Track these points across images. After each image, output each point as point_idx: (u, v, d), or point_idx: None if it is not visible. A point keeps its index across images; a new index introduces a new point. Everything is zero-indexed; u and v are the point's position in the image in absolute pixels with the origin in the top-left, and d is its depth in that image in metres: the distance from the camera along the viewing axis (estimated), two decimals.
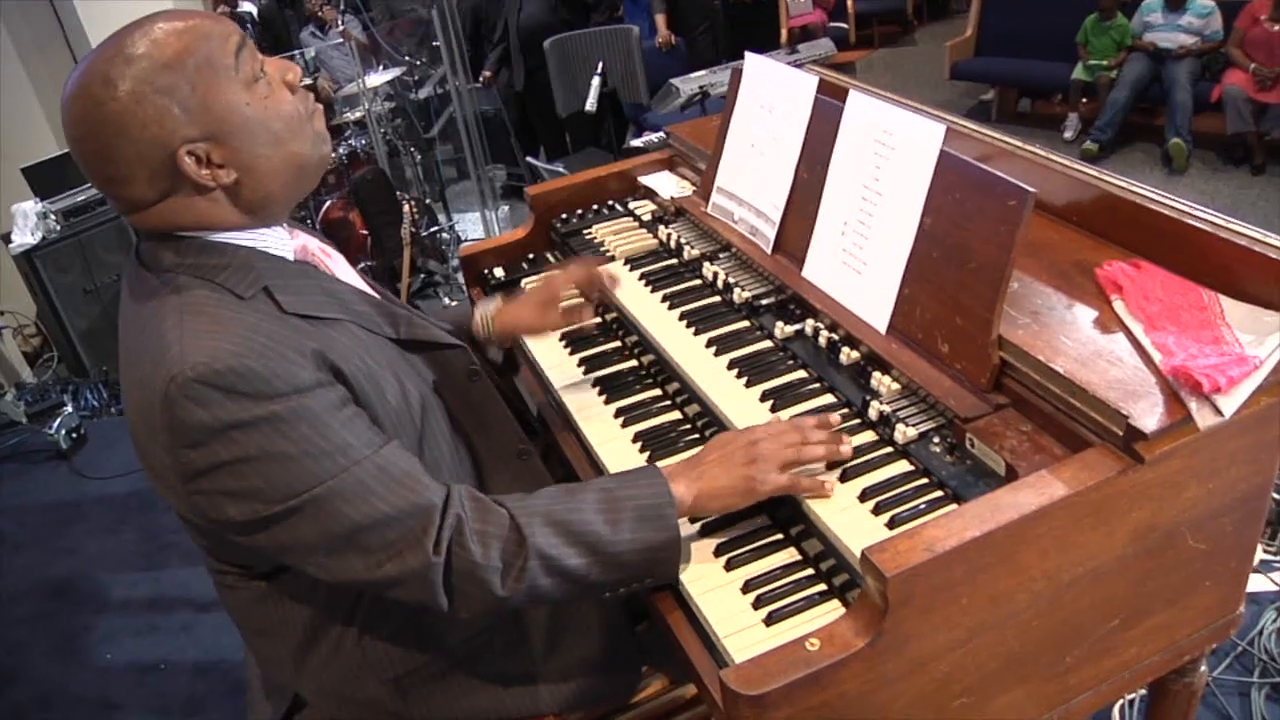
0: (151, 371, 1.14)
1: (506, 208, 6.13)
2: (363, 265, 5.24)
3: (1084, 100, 6.16)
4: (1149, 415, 1.15)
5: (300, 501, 1.16)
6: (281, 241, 1.33)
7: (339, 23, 5.66)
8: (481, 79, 6.44)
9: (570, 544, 1.23)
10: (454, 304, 5.11)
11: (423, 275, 5.47)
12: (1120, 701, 2.19)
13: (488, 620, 1.44)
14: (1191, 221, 1.38)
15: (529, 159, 6.06)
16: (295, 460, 1.15)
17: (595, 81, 5.10)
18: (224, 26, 1.22)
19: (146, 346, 1.17)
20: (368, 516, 1.18)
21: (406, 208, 5.15)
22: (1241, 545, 1.37)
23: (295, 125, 1.26)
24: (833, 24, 8.12)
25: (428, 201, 5.66)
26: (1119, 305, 1.34)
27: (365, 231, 5.31)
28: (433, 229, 5.54)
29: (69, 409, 4.29)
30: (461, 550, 1.20)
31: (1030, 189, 1.27)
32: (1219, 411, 1.16)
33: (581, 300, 1.72)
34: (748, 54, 1.89)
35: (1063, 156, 1.59)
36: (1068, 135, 6.11)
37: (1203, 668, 1.56)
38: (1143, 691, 2.06)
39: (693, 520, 1.36)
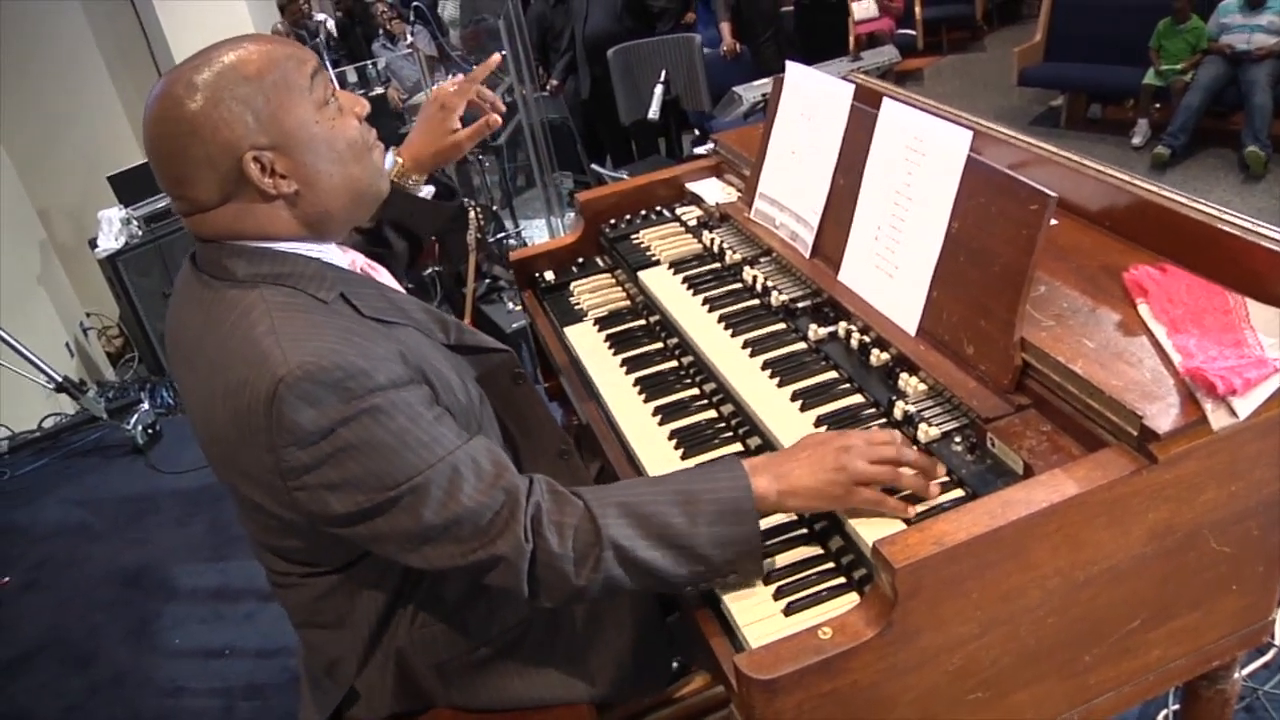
0: (250, 376, 1.18)
1: (572, 214, 6.20)
2: (430, 271, 5.37)
3: (1156, 106, 6.05)
4: (1164, 416, 1.17)
5: (399, 492, 1.21)
6: (337, 257, 1.40)
7: (407, 35, 5.81)
8: (549, 87, 6.54)
9: (645, 535, 1.24)
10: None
11: (488, 280, 5.56)
12: (1165, 711, 2.18)
13: (529, 608, 1.48)
14: (1221, 225, 1.39)
15: (595, 166, 6.14)
16: (395, 451, 1.20)
17: (658, 90, 5.16)
18: (303, 53, 1.31)
19: (237, 354, 1.21)
20: (462, 505, 1.22)
21: (472, 214, 5.26)
22: (1269, 550, 1.36)
23: (358, 150, 1.34)
24: (901, 30, 8.09)
25: (494, 208, 5.76)
26: (1143, 308, 1.35)
27: (433, 237, 5.43)
28: (499, 235, 5.64)
29: (145, 406, 4.47)
30: (540, 540, 1.24)
31: (1051, 193, 1.29)
32: (1234, 413, 1.17)
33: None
34: (789, 63, 1.93)
35: (1095, 160, 1.59)
36: (1136, 142, 6.00)
37: (1236, 674, 1.56)
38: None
39: None
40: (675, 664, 1.73)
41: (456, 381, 1.38)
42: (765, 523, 1.37)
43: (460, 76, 1.79)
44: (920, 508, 1.29)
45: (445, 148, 1.74)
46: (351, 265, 1.43)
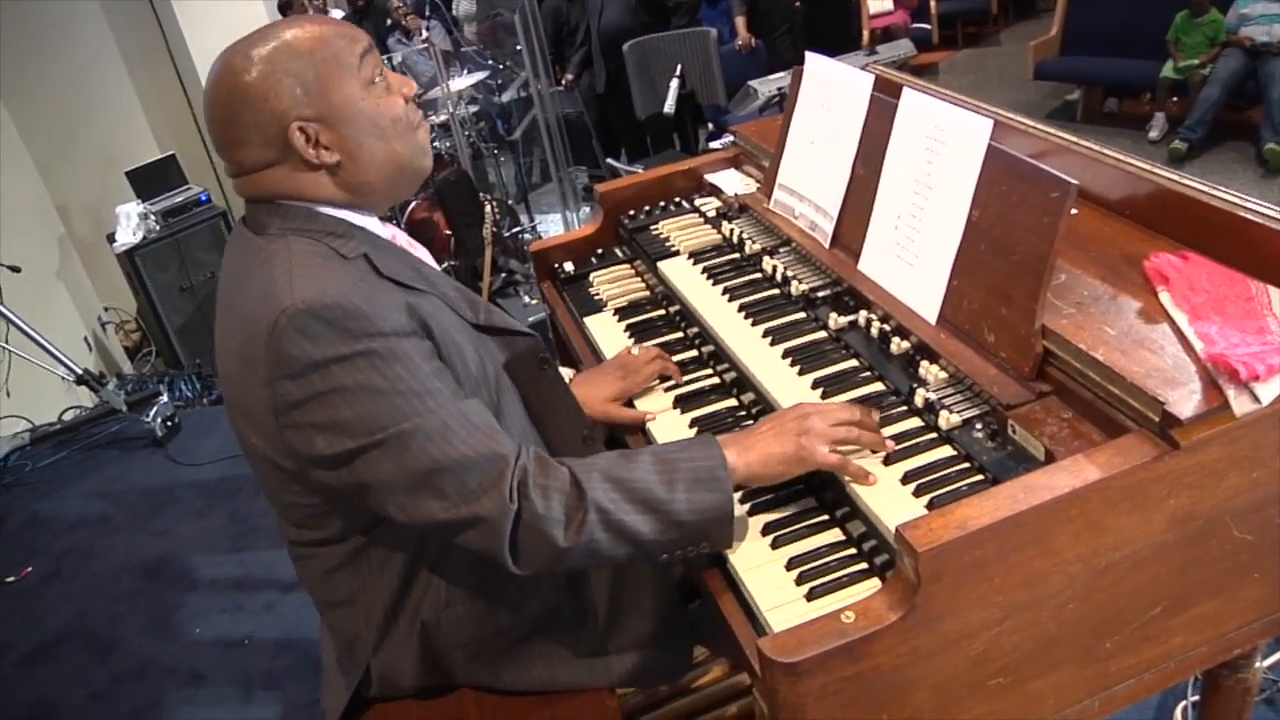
0: (259, 309, 1.25)
1: (587, 209, 6.23)
2: (446, 265, 5.38)
3: (1173, 99, 6.02)
4: (1186, 402, 1.17)
5: (386, 436, 1.24)
6: (377, 229, 1.45)
7: (423, 30, 5.82)
8: (564, 82, 6.55)
9: (628, 500, 1.28)
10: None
11: (504, 274, 5.58)
12: (1184, 703, 2.18)
13: (558, 592, 1.50)
14: (1243, 213, 1.39)
15: (610, 160, 6.16)
16: (385, 396, 1.24)
17: (674, 84, 5.16)
18: (355, 33, 1.38)
19: (253, 290, 1.29)
20: (448, 457, 1.25)
21: (488, 208, 5.28)
22: None
23: (401, 128, 1.40)
24: (916, 25, 8.07)
25: (510, 202, 5.78)
26: (1164, 296, 1.36)
27: (449, 232, 5.45)
28: (515, 229, 5.66)
29: (164, 399, 4.49)
30: (525, 502, 1.26)
31: (1072, 181, 1.29)
32: (1257, 399, 1.17)
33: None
34: (808, 54, 1.94)
35: (1115, 150, 1.60)
36: (1153, 135, 5.98)
37: (1257, 663, 1.56)
38: None
39: (743, 500, 1.42)
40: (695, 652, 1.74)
41: (472, 354, 1.41)
42: (788, 509, 1.41)
43: (633, 369, 1.75)
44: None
45: (596, 405, 1.71)
46: (392, 239, 1.48)
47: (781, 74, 4.82)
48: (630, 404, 1.74)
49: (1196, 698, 2.12)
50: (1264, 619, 1.42)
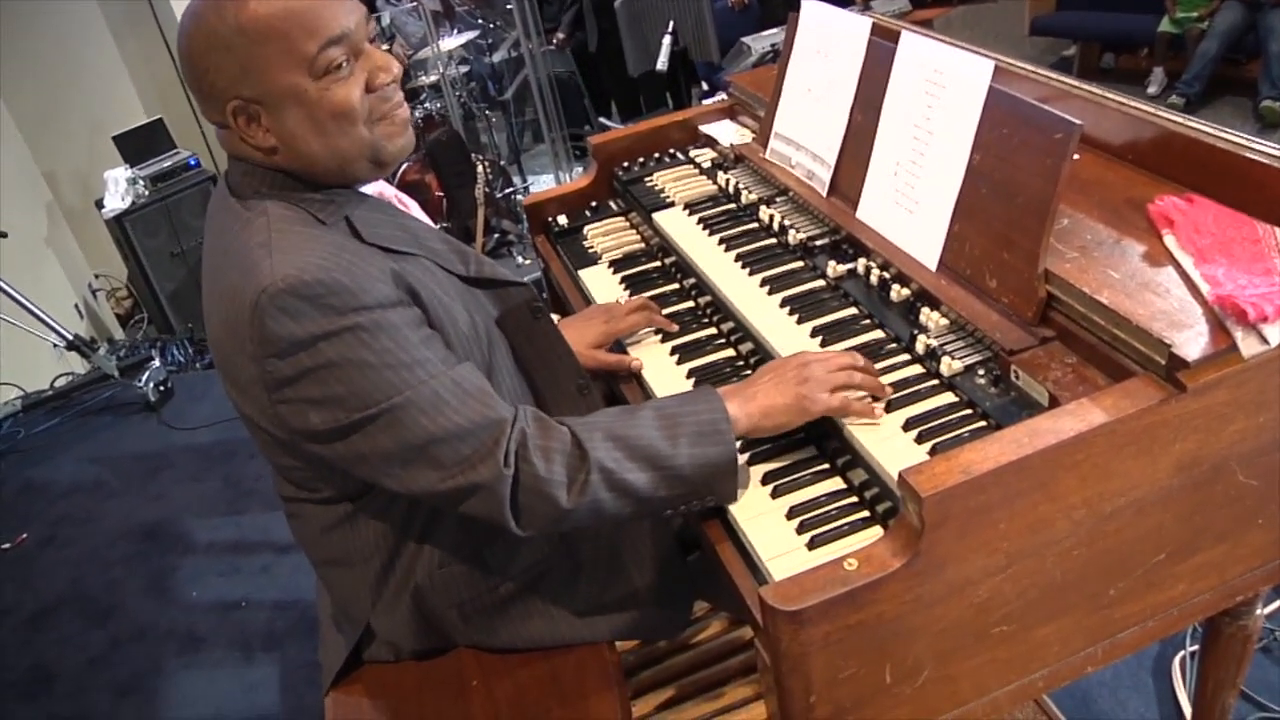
0: (241, 284, 1.21)
1: (580, 169, 6.18)
2: (439, 226, 5.33)
3: (1171, 54, 5.97)
4: (1193, 344, 1.15)
5: (379, 410, 1.22)
6: (363, 186, 1.41)
7: None
8: (555, 41, 6.47)
9: (630, 458, 1.27)
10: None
11: (496, 235, 5.55)
12: (1183, 653, 2.18)
13: (549, 546, 1.49)
14: (1249, 155, 1.36)
15: (602, 120, 6.10)
16: (376, 370, 1.22)
17: (666, 41, 5.09)
18: (334, 10, 1.25)
19: (234, 262, 1.25)
20: (442, 428, 1.23)
21: (480, 168, 5.23)
22: None
23: (344, 124, 1.29)
24: None
25: (502, 163, 5.73)
26: (1169, 239, 1.33)
27: (441, 193, 5.40)
28: (507, 190, 5.61)
29: (156, 363, 4.46)
30: (526, 465, 1.25)
31: (1076, 121, 1.26)
32: (1265, 340, 1.15)
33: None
34: (804, 0, 1.90)
35: (1118, 94, 1.57)
36: (1151, 91, 5.93)
37: (1258, 610, 1.55)
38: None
39: (743, 449, 1.40)
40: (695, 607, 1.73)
41: (462, 313, 1.38)
42: (788, 458, 1.39)
43: (618, 314, 1.72)
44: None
45: (580, 350, 1.65)
46: (379, 196, 1.44)
47: (775, 30, 4.77)
48: (624, 351, 1.72)
49: (1195, 648, 2.12)
50: (1267, 565, 1.41)
